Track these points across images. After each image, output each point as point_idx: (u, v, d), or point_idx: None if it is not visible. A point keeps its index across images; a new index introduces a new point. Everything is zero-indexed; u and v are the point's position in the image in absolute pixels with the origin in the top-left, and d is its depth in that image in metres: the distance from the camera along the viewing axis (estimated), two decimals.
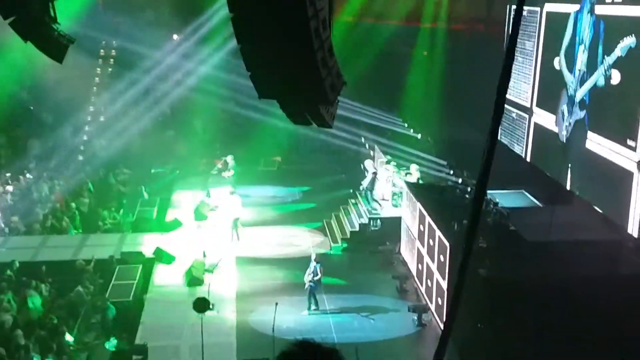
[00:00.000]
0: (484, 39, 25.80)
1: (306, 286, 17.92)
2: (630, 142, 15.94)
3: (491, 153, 4.04)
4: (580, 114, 18.64)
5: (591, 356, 14.11)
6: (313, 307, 17.93)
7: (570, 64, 19.15)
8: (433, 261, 17.62)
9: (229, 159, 26.61)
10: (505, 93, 4.16)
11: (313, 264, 18.09)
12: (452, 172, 23.32)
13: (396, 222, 21.30)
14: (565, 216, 18.00)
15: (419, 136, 27.62)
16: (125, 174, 26.60)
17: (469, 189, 19.83)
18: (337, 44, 4.75)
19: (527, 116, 21.95)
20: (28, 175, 24.78)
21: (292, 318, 17.31)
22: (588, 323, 14.36)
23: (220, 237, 21.93)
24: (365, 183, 23.09)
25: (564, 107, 19.51)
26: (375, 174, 22.92)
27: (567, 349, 14.07)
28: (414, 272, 19.53)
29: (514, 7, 19.85)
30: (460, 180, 21.92)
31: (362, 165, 23.55)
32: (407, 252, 20.49)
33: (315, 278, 17.91)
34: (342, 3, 27.78)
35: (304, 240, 22.52)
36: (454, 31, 29.30)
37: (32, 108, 28.83)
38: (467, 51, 27.52)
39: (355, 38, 27.70)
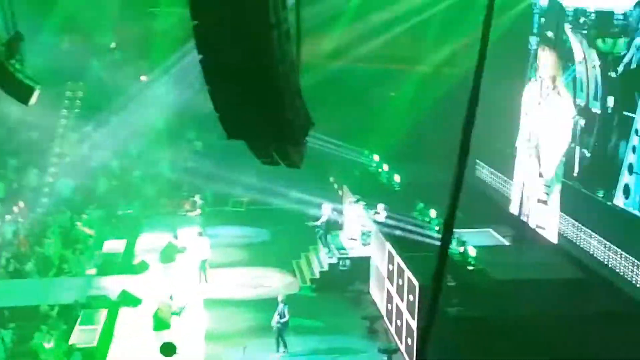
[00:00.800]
0: (451, 80, 26.20)
1: (274, 328, 17.74)
2: None
3: (457, 192, 4.08)
4: None
5: None
6: (282, 349, 17.73)
7: None
8: (402, 301, 17.60)
9: (197, 198, 26.45)
10: (470, 134, 4.23)
11: (280, 305, 17.93)
12: (420, 211, 23.42)
13: (365, 261, 21.29)
14: (531, 255, 18.26)
15: (387, 175, 27.75)
16: (91, 215, 26.25)
17: (437, 228, 19.94)
18: (305, 85, 4.79)
19: None
20: None
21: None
22: None
23: (187, 279, 21.67)
24: (318, 222, 23.09)
25: None
26: (327, 220, 22.96)
27: None
28: (384, 312, 19.47)
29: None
30: (428, 220, 22.02)
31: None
32: (377, 291, 20.45)
33: (283, 320, 17.74)
34: (312, 46, 28.07)
35: (273, 281, 22.36)
36: (421, 72, 29.73)
37: None
38: (434, 92, 27.89)
39: (324, 79, 27.91)
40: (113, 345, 18.13)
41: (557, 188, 19.60)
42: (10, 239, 23.61)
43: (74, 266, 22.64)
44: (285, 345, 17.78)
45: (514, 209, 22.33)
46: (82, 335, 17.49)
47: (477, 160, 24.73)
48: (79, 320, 18.35)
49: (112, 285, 20.96)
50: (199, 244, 22.00)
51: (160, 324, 18.81)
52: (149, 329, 18.80)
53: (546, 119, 20.27)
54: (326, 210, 23.22)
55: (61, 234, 24.54)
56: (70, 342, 17.35)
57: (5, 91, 9.93)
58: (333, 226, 23.23)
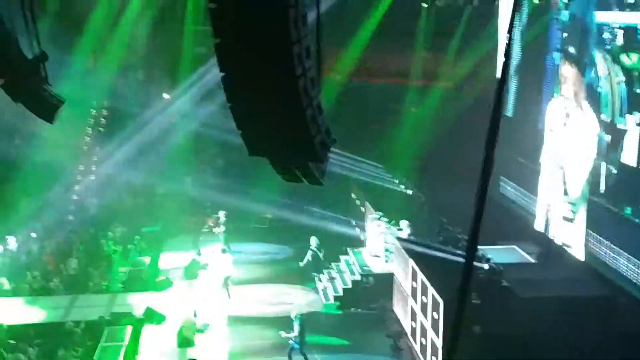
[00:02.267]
0: (472, 95, 26.15)
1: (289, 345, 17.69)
2: None
3: (481, 209, 4.04)
4: None
5: None
6: None
7: None
8: (427, 318, 17.44)
9: (221, 214, 26.50)
10: (493, 149, 4.19)
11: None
12: (443, 228, 23.30)
13: (389, 278, 21.15)
14: (557, 272, 18.03)
15: (410, 192, 27.66)
16: (115, 233, 26.42)
17: (460, 245, 19.79)
18: (327, 102, 4.79)
19: None
20: (17, 235, 24.59)
21: None
22: None
23: (211, 296, 21.68)
24: (304, 262, 23.04)
25: None
26: (314, 251, 22.89)
27: None
28: (408, 330, 19.30)
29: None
30: (452, 237, 21.88)
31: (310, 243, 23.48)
32: (400, 309, 20.30)
33: (291, 334, 17.63)
34: (332, 62, 28.16)
35: (296, 298, 22.28)
36: (443, 88, 29.72)
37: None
38: (456, 108, 27.84)
39: (345, 95, 27.99)
40: None
41: (582, 206, 19.39)
42: (36, 256, 23.81)
43: (99, 283, 22.77)
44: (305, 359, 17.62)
45: (539, 225, 22.11)
46: (106, 352, 17.52)
47: (501, 177, 24.53)
48: (103, 337, 18.41)
49: (136, 302, 21.03)
50: (222, 261, 22.02)
51: (184, 341, 18.82)
52: (173, 346, 18.80)
53: (571, 137, 20.10)
54: (313, 243, 23.04)
55: (86, 251, 24.72)
56: (95, 359, 17.39)
57: (30, 109, 10.04)
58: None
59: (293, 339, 17.64)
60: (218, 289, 21.76)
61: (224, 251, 22.36)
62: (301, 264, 23.20)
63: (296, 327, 17.69)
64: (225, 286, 21.65)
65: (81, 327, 18.97)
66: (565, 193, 20.32)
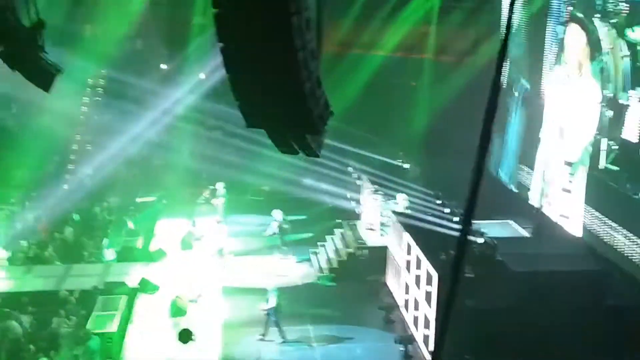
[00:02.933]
0: (473, 70, 26.05)
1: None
2: None
3: (477, 183, 4.05)
4: None
5: None
6: (278, 336, 17.77)
7: None
8: (420, 291, 17.56)
9: (220, 186, 26.47)
10: (492, 124, 4.18)
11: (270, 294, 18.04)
12: (439, 202, 23.35)
13: (383, 251, 21.26)
14: (551, 246, 18.10)
15: (407, 166, 27.69)
16: (110, 203, 26.43)
17: (455, 219, 19.85)
18: (325, 74, 4.77)
19: None
20: (12, 204, 24.59)
21: (277, 349, 17.16)
22: (576, 353, 14.36)
23: (205, 266, 21.76)
24: (268, 232, 23.23)
25: None
26: (278, 224, 23.03)
27: None
28: (401, 303, 19.45)
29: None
30: (447, 210, 21.94)
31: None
32: (394, 282, 20.43)
33: (267, 307, 17.82)
34: (331, 34, 27.99)
35: (290, 270, 22.40)
36: (442, 62, 29.58)
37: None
38: (456, 82, 27.76)
39: (344, 68, 27.86)
40: (131, 331, 18.27)
41: (582, 176, 19.37)
42: (31, 225, 23.82)
43: (93, 253, 22.83)
44: (280, 330, 17.84)
45: (533, 199, 22.16)
46: (100, 321, 17.63)
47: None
48: (97, 306, 18.50)
49: (130, 272, 21.10)
50: (217, 232, 22.06)
51: (178, 311, 18.93)
52: (167, 316, 18.92)
53: (571, 105, 20.00)
54: (277, 216, 23.21)
55: (81, 221, 24.73)
56: (88, 328, 17.50)
57: (27, 78, 9.97)
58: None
59: (269, 310, 17.77)
60: (212, 259, 21.84)
61: (218, 222, 22.39)
62: (265, 234, 23.37)
63: (272, 299, 17.81)
64: (219, 257, 21.72)
65: (75, 296, 19.03)
66: (566, 163, 20.28)
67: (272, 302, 17.89)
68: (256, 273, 21.97)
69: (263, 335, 17.79)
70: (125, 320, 18.52)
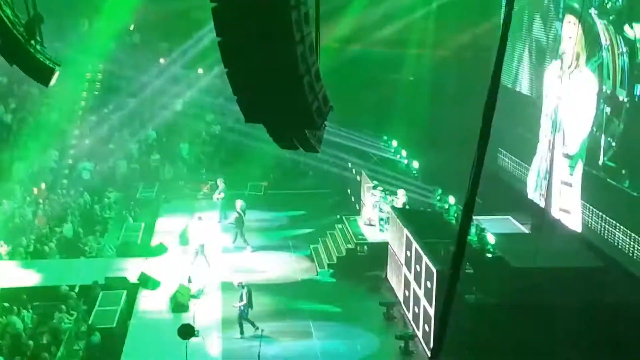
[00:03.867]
0: (471, 65, 26.04)
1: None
2: None
3: (477, 179, 4.04)
4: None
5: None
6: (254, 330, 17.72)
7: None
8: (420, 287, 17.55)
9: (220, 182, 26.46)
10: (491, 120, 4.17)
11: (241, 290, 18.04)
12: (438, 197, 23.35)
13: (383, 247, 21.24)
14: (551, 243, 18.10)
15: (406, 161, 27.67)
16: (110, 198, 26.42)
17: (455, 215, 19.85)
18: (323, 70, 4.75)
19: None
20: (12, 199, 24.56)
21: (278, 345, 17.17)
22: (574, 349, 14.36)
23: (205, 262, 21.74)
24: (228, 221, 23.49)
25: None
26: (239, 214, 23.08)
27: None
28: (401, 299, 19.44)
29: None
30: (446, 206, 21.94)
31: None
32: (394, 278, 20.42)
33: (239, 304, 17.84)
34: (329, 29, 27.95)
35: (290, 266, 22.39)
36: (441, 57, 29.55)
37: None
38: (454, 77, 27.75)
39: (343, 63, 27.82)
40: (132, 326, 18.28)
41: (580, 170, 19.34)
42: (30, 220, 23.81)
43: (94, 248, 22.83)
44: (253, 326, 17.79)
45: (530, 192, 22.14)
46: (101, 316, 17.64)
47: (500, 149, 24.50)
48: (98, 301, 18.51)
49: (130, 267, 21.10)
50: (198, 228, 21.82)
51: (179, 306, 18.94)
52: (167, 311, 18.93)
53: (569, 97, 19.95)
54: (238, 206, 23.39)
55: (80, 216, 24.73)
56: (89, 323, 17.51)
57: (25, 72, 9.95)
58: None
59: (241, 307, 17.81)
60: (192, 257, 21.55)
61: (200, 219, 22.14)
62: (223, 222, 23.86)
63: (244, 295, 17.85)
64: (201, 253, 21.43)
65: (76, 291, 19.05)
66: (565, 156, 20.23)
67: (244, 297, 17.90)
68: (255, 269, 21.95)
69: (241, 334, 17.78)
70: (126, 315, 18.54)
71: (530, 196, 22.27)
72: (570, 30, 19.94)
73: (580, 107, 19.18)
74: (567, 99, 20.11)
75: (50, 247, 22.18)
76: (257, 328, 17.63)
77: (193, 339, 15.44)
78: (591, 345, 14.52)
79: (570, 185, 19.89)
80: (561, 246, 18.13)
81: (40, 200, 24.98)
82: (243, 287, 18.12)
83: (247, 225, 24.38)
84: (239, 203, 23.50)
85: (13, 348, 16.41)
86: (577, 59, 19.53)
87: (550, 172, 20.95)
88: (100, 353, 16.81)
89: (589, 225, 18.81)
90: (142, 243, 23.23)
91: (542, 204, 21.33)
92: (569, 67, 19.92)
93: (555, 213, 20.60)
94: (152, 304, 19.40)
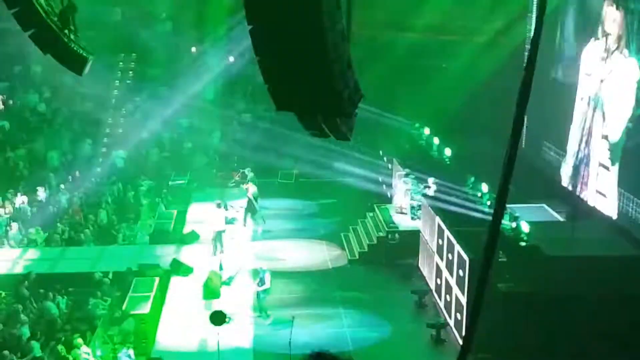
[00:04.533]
0: (506, 51, 25.67)
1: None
2: None
3: (511, 167, 3.97)
4: None
5: None
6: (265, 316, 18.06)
7: None
8: (452, 276, 17.46)
9: (248, 171, 26.56)
10: (525, 107, 4.09)
11: (261, 273, 18.24)
12: (471, 185, 23.13)
13: (415, 235, 21.16)
14: (586, 231, 17.83)
15: (438, 149, 27.45)
16: (143, 186, 26.67)
17: (488, 203, 19.66)
18: (355, 57, 4.70)
19: None
20: (47, 187, 24.93)
21: (309, 332, 17.21)
22: (608, 340, 14.17)
23: (237, 249, 21.85)
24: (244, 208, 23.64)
25: None
26: (250, 200, 23.29)
27: None
28: (433, 287, 19.36)
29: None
30: (479, 194, 21.73)
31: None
32: (426, 266, 20.34)
33: (261, 287, 18.04)
34: (361, 16, 27.77)
35: (321, 254, 22.42)
36: (475, 44, 29.18)
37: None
38: (488, 63, 27.39)
39: (375, 50, 27.65)
40: (164, 312, 18.48)
41: (619, 154, 18.91)
42: (65, 207, 24.15)
43: (127, 235, 23.09)
44: (265, 313, 18.00)
45: (565, 177, 21.76)
46: (134, 303, 17.86)
47: (545, 142, 23.98)
48: (131, 287, 18.74)
49: (163, 254, 21.31)
50: (216, 216, 21.85)
51: (210, 292, 19.09)
52: (200, 297, 19.08)
53: (611, 79, 19.50)
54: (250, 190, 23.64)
55: (114, 203, 25.02)
56: (123, 309, 17.73)
57: (59, 61, 10.05)
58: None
59: (260, 292, 18.19)
60: (221, 243, 21.64)
61: (219, 206, 22.10)
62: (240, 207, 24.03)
63: (267, 281, 18.09)
64: (218, 241, 21.51)
65: (110, 278, 19.30)
66: (604, 138, 19.77)
67: (267, 283, 18.05)
68: (287, 257, 22.00)
69: (266, 316, 18.04)
70: (159, 301, 18.74)
71: (564, 182, 21.89)
72: (613, 16, 19.49)
73: (622, 89, 18.72)
74: (609, 81, 19.65)
75: (84, 234, 22.49)
76: (269, 316, 17.88)
77: (225, 325, 15.54)
78: (625, 338, 14.31)
79: (607, 168, 19.50)
80: (597, 234, 17.85)
81: (75, 188, 25.30)
82: (264, 271, 18.24)
83: (278, 214, 24.44)
84: (251, 189, 23.55)
85: (48, 333, 16.68)
86: (619, 40, 19.07)
87: (588, 155, 20.53)
88: (134, 339, 17.01)
89: (624, 211, 18.48)
90: (174, 230, 23.43)
91: (578, 189, 20.95)
92: (612, 49, 19.47)
93: (592, 197, 20.19)
94: (184, 290, 19.58)
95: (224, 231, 21.66)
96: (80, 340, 16.01)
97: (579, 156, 21.11)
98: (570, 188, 21.58)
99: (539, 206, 21.03)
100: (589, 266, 15.32)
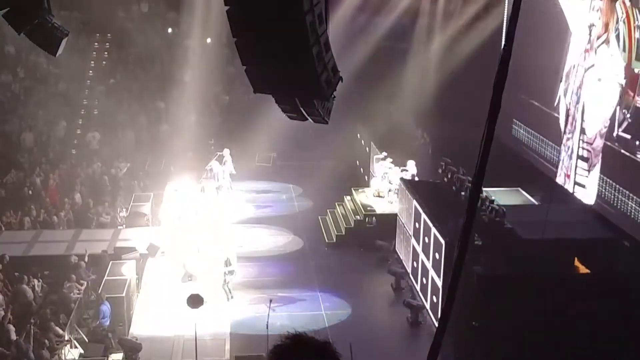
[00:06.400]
0: (482, 34, 25.69)
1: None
2: None
3: (487, 150, 3.99)
4: None
5: (584, 353, 14.11)
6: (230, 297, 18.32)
7: None
8: (428, 259, 17.58)
9: (226, 152, 26.43)
10: (502, 90, 4.10)
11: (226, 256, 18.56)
12: (447, 169, 23.24)
13: (392, 218, 21.25)
14: (561, 214, 18.01)
15: (416, 133, 27.54)
16: (119, 168, 26.44)
17: (464, 186, 19.78)
18: (333, 39, 4.68)
19: None
20: (21, 169, 24.66)
21: (285, 314, 17.27)
22: (582, 321, 14.37)
23: (215, 232, 21.81)
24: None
25: None
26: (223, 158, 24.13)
27: (561, 346, 14.07)
28: (409, 270, 19.49)
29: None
30: (456, 178, 21.84)
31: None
32: (403, 249, 20.45)
33: (228, 268, 18.33)
34: None
35: (298, 237, 22.44)
36: (452, 27, 29.16)
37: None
38: (466, 47, 27.41)
39: (352, 33, 27.54)
40: (140, 295, 18.41)
41: (599, 145, 19.10)
42: (39, 189, 23.90)
43: (102, 218, 22.91)
44: (230, 294, 18.20)
45: (547, 169, 21.93)
46: (110, 286, 17.76)
47: (514, 120, 24.14)
48: (107, 270, 18.62)
49: (140, 237, 21.19)
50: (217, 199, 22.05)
51: (187, 275, 19.05)
52: (176, 281, 19.04)
53: (593, 71, 19.63)
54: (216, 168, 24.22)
55: (89, 186, 24.80)
56: (99, 292, 17.63)
57: (33, 41, 9.91)
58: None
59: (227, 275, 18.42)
60: (221, 226, 21.77)
61: (217, 188, 22.26)
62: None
63: (232, 260, 18.26)
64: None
65: (85, 261, 19.16)
66: (583, 132, 19.95)
67: (230, 262, 18.34)
68: (264, 240, 22.02)
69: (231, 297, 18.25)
70: (135, 284, 18.66)
71: (546, 171, 22.01)
72: (597, 2, 19.53)
73: (605, 84, 18.87)
74: (592, 72, 19.78)
75: (59, 217, 22.28)
76: (233, 297, 18.16)
77: (201, 308, 15.53)
78: (602, 316, 14.52)
79: (586, 160, 19.69)
80: (572, 218, 18.04)
81: (49, 170, 25.04)
82: (231, 256, 18.66)
83: (255, 197, 24.43)
84: (226, 151, 24.47)
85: (23, 316, 16.55)
86: (606, 31, 19.16)
87: (568, 145, 20.70)
88: (110, 322, 16.94)
89: (602, 196, 18.68)
90: (150, 213, 23.29)
91: (558, 178, 21.10)
92: (596, 41, 19.56)
93: (569, 186, 20.41)
94: (160, 273, 19.51)
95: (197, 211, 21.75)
96: (55, 324, 15.90)
97: (561, 146, 21.25)
98: (549, 175, 21.71)
99: (514, 189, 21.22)
100: (564, 248, 15.50)
